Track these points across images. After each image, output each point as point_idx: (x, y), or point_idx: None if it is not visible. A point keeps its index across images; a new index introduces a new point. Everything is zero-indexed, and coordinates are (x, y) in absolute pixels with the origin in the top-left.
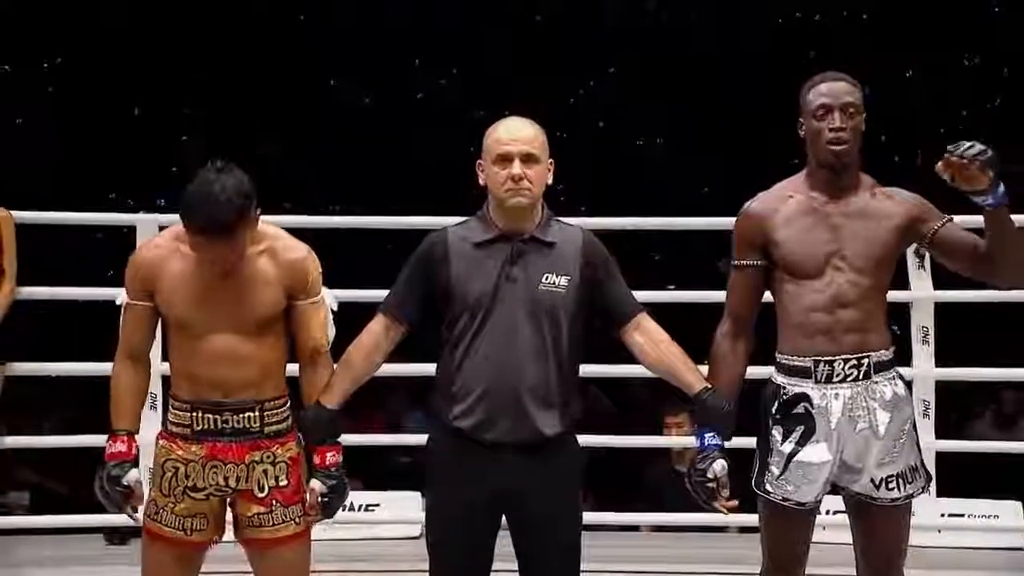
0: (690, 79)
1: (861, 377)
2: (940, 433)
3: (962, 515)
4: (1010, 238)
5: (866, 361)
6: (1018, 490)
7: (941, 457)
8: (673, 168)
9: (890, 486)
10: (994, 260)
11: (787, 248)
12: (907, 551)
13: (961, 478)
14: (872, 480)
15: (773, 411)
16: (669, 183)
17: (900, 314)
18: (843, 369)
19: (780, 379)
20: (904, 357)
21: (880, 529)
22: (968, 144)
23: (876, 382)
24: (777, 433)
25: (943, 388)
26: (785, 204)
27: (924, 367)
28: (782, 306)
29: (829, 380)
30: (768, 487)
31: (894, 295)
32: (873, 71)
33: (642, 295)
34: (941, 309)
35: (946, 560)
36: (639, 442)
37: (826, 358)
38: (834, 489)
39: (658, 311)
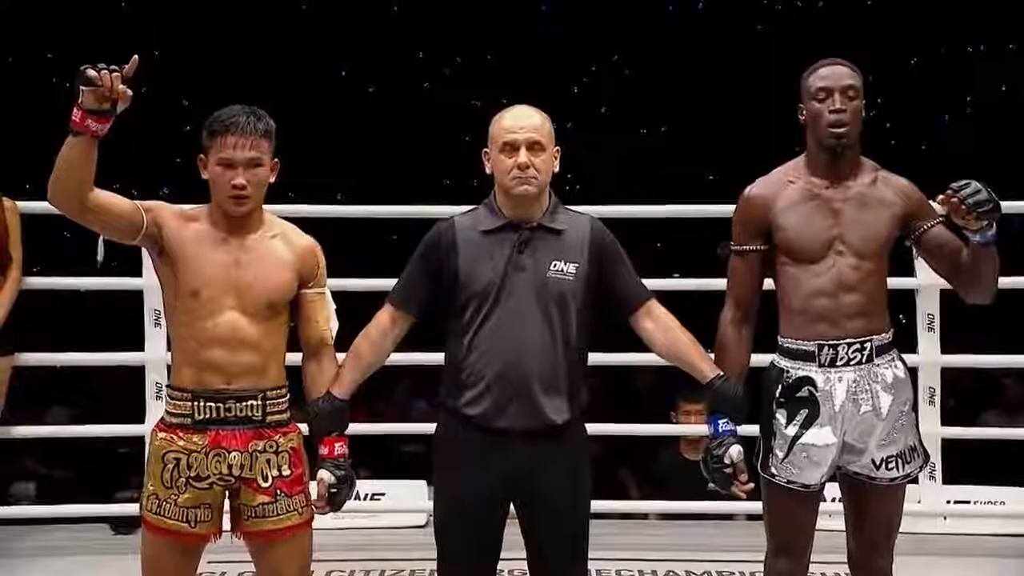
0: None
1: (864, 361)
2: (946, 420)
3: (968, 502)
4: (984, 270)
5: (868, 345)
6: None
7: (947, 444)
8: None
9: (889, 466)
10: (964, 282)
11: (790, 232)
12: (898, 529)
13: (967, 465)
14: (873, 461)
15: (777, 394)
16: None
17: (905, 301)
18: (847, 353)
19: (784, 363)
20: (909, 344)
21: (875, 506)
22: (974, 189)
23: (878, 365)
24: (781, 416)
25: (949, 376)
26: (786, 189)
27: (929, 354)
28: (784, 291)
29: (833, 364)
30: (773, 470)
31: (900, 282)
32: None
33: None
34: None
35: (952, 546)
36: (648, 430)
37: (830, 342)
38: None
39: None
